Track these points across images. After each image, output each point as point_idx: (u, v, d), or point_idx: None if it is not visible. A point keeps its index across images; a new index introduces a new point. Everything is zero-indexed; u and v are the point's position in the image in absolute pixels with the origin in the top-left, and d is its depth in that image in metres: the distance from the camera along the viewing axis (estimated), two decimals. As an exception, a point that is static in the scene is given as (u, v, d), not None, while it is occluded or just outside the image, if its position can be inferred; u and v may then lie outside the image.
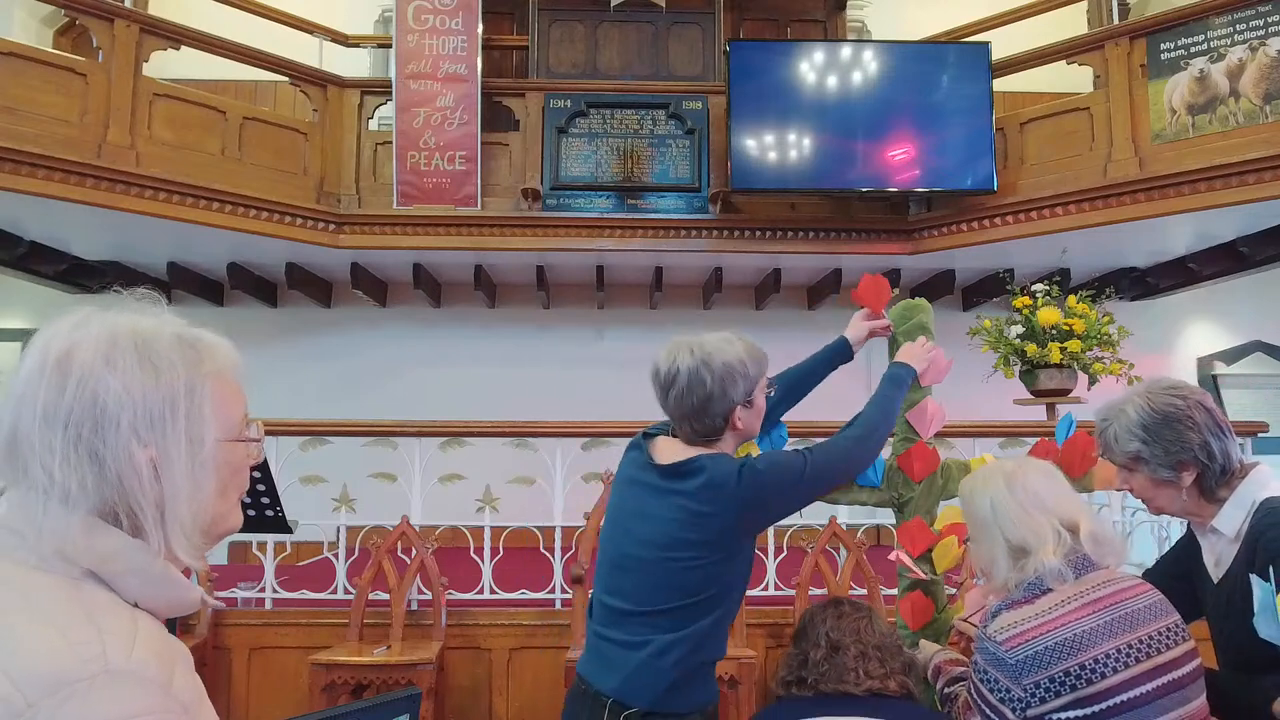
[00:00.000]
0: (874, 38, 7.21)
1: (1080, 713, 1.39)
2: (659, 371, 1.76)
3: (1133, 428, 1.68)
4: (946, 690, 1.75)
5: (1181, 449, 1.63)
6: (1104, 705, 1.39)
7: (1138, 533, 4.21)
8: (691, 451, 1.73)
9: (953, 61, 5.75)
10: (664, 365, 1.75)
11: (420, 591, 3.74)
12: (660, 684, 1.63)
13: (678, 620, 1.65)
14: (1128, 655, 1.42)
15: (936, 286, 6.60)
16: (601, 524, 1.89)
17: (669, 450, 1.76)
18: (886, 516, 2.45)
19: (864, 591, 3.52)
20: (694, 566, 1.64)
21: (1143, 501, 1.75)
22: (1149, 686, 1.41)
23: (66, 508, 0.78)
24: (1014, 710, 1.42)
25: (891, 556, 2.12)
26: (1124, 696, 1.39)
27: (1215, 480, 1.64)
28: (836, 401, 6.09)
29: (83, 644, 0.72)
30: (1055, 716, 1.40)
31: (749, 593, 3.51)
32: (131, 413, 0.80)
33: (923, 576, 2.07)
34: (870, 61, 5.75)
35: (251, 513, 2.20)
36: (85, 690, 0.70)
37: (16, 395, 0.81)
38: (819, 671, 1.64)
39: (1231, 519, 1.64)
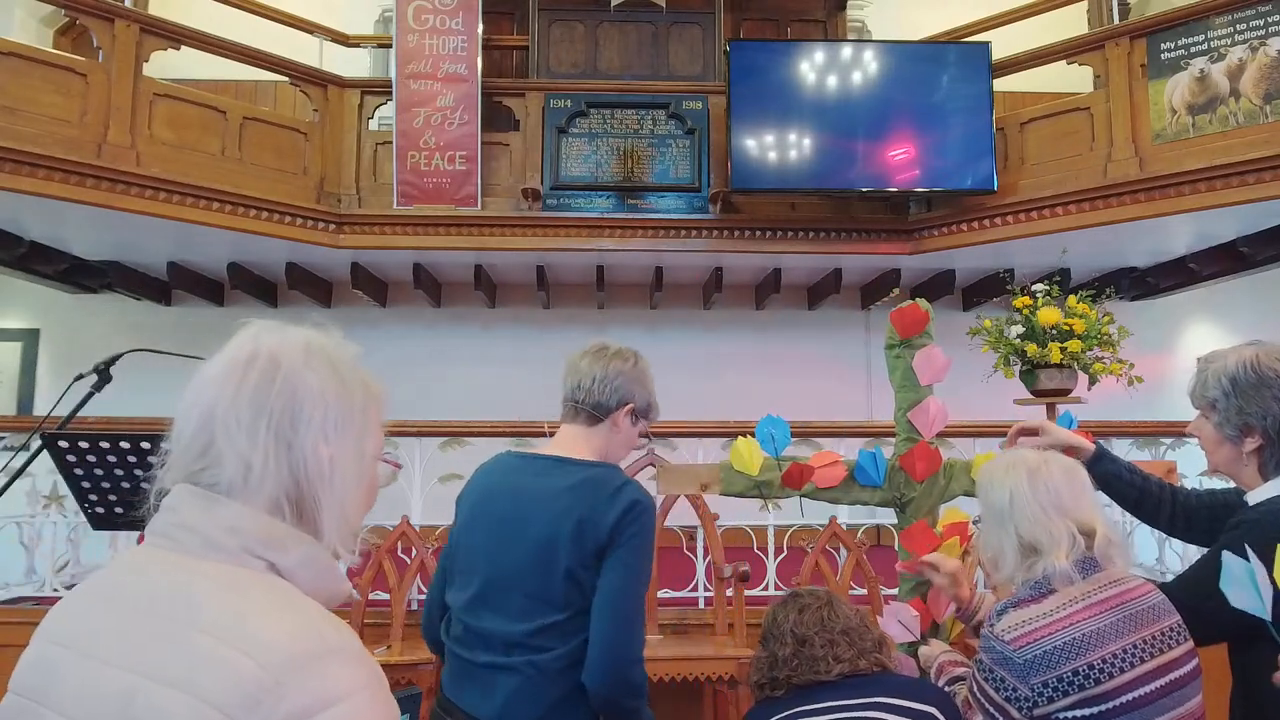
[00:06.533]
0: (874, 38, 7.21)
1: (1087, 712, 1.39)
2: (596, 345, 1.83)
3: (1222, 376, 1.64)
4: (947, 689, 1.75)
5: (1255, 414, 1.59)
6: (1110, 704, 1.39)
7: (1138, 532, 4.21)
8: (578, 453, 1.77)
9: (953, 61, 5.75)
10: (605, 343, 1.84)
11: (420, 591, 3.74)
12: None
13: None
14: (1133, 655, 1.42)
15: (936, 286, 6.59)
16: None
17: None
18: (887, 516, 2.45)
19: (864, 591, 3.52)
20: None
21: (1204, 453, 1.71)
22: (1153, 686, 1.41)
23: (247, 498, 0.85)
24: (1020, 709, 1.41)
25: (899, 567, 2.12)
26: (1130, 696, 1.39)
27: (1278, 457, 1.60)
28: (837, 403, 6.10)
29: (302, 626, 0.79)
30: (1062, 715, 1.40)
31: (749, 592, 3.52)
32: (323, 412, 0.89)
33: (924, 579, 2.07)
34: (870, 61, 5.75)
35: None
36: (319, 667, 0.76)
37: (215, 382, 0.88)
38: (790, 667, 1.64)
39: (1257, 496, 1.62)
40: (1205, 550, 1.69)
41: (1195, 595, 1.56)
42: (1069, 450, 1.95)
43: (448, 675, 1.77)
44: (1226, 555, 1.38)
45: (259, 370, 0.88)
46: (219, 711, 0.73)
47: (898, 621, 2.06)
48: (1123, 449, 4.21)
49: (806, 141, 5.69)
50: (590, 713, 1.65)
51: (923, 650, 1.96)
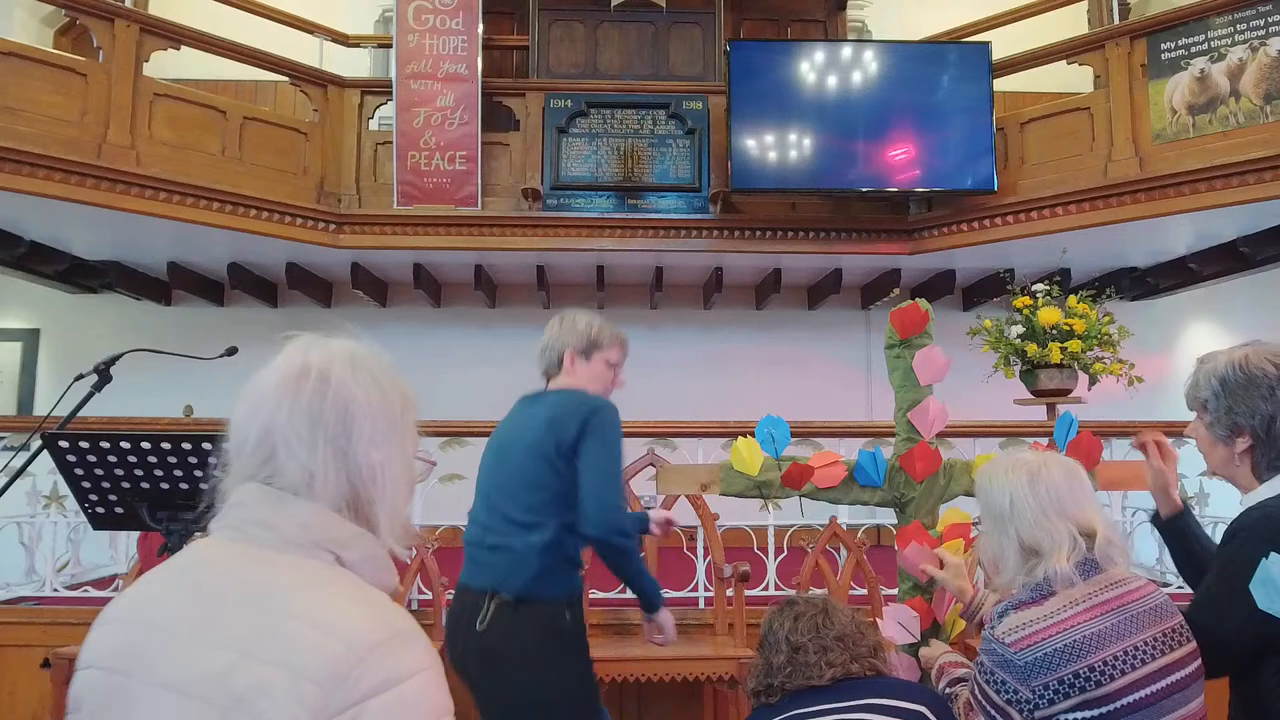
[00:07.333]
0: (874, 38, 7.21)
1: (1088, 714, 1.39)
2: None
3: (1212, 376, 1.63)
4: (948, 690, 1.75)
5: (1244, 413, 1.58)
6: (1112, 707, 1.39)
7: (1138, 533, 4.21)
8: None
9: (953, 61, 5.75)
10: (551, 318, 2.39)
11: (420, 591, 3.74)
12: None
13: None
14: (1134, 657, 1.41)
15: (936, 286, 6.59)
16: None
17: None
18: (887, 516, 2.45)
19: (864, 591, 3.52)
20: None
21: (1202, 455, 1.70)
22: (1155, 688, 1.41)
23: (312, 500, 0.94)
24: (1021, 711, 1.41)
25: (905, 552, 2.10)
26: (1131, 698, 1.39)
27: (1269, 458, 1.59)
28: (835, 403, 6.10)
29: (376, 614, 0.89)
30: (1063, 717, 1.40)
31: (749, 592, 3.52)
32: (370, 421, 0.97)
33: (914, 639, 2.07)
34: (870, 61, 5.75)
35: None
36: (392, 649, 0.86)
37: (271, 397, 0.96)
38: (784, 674, 1.65)
39: (1250, 499, 1.60)
40: (1232, 555, 1.64)
41: (1209, 614, 1.53)
42: (1162, 495, 1.85)
43: (463, 570, 2.21)
44: (1273, 557, 1.37)
45: (311, 386, 0.96)
46: (314, 684, 0.81)
47: (897, 623, 2.05)
48: (1123, 449, 4.20)
49: (806, 141, 5.69)
50: (564, 586, 2.11)
51: (923, 651, 1.96)
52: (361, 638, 0.85)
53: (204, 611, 0.89)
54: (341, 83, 5.88)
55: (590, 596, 3.46)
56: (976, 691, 1.49)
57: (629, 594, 2.71)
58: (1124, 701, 1.39)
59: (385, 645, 0.86)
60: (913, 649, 2.05)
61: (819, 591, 3.41)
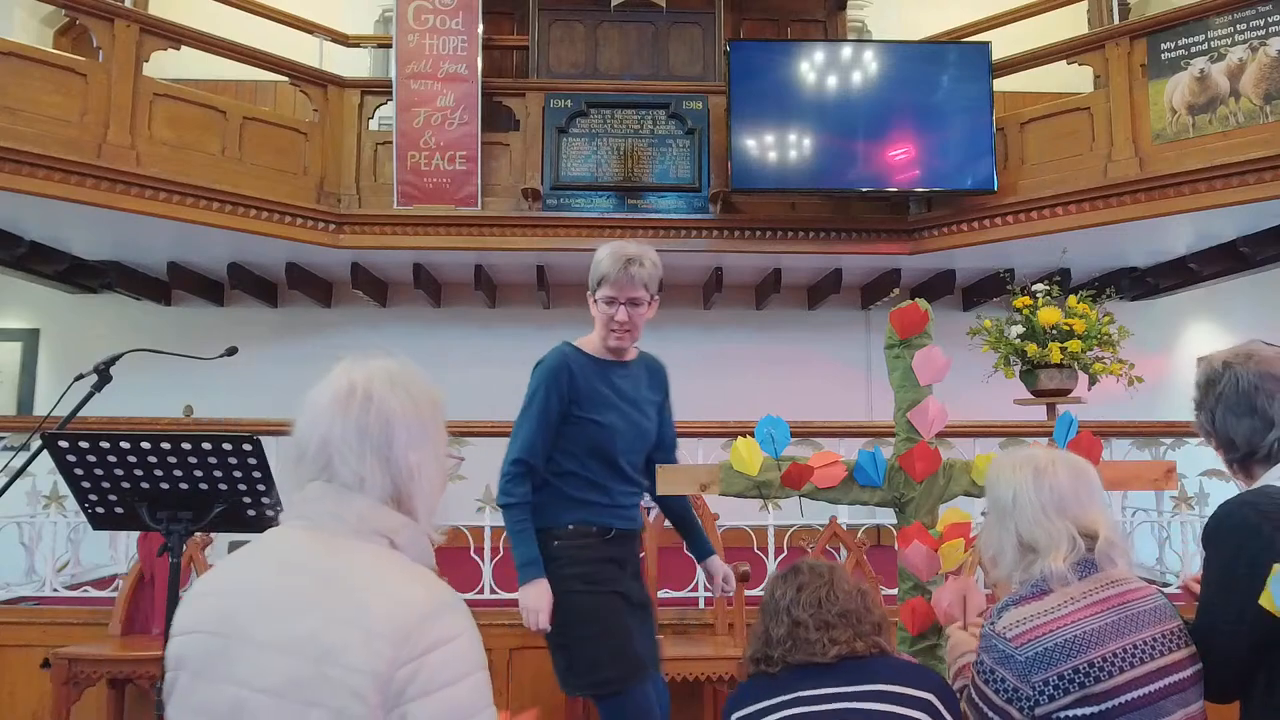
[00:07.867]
0: (874, 38, 7.21)
1: (1087, 711, 1.39)
2: None
3: (1195, 382, 1.66)
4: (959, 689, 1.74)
5: (1200, 413, 1.61)
6: (1110, 704, 1.39)
7: (1138, 533, 4.21)
8: None
9: (953, 61, 5.75)
10: None
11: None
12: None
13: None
14: (1134, 655, 1.41)
15: (936, 286, 6.59)
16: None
17: None
18: (887, 516, 2.45)
19: (864, 591, 3.52)
20: None
21: None
22: (1153, 687, 1.41)
23: (364, 495, 1.13)
24: (1021, 710, 1.41)
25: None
26: (1130, 696, 1.39)
27: (1232, 457, 1.59)
28: (835, 403, 6.10)
29: (428, 587, 1.10)
30: (1062, 714, 1.40)
31: (749, 592, 3.52)
32: (407, 431, 1.16)
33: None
34: (870, 61, 5.75)
35: (252, 513, 2.20)
36: (442, 615, 1.07)
37: (327, 413, 1.15)
38: (784, 647, 1.61)
39: None
40: (1210, 559, 1.62)
41: (1206, 619, 1.52)
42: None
43: None
44: None
45: (358, 403, 1.15)
46: (385, 641, 1.01)
47: (962, 599, 1.96)
48: (1123, 449, 4.21)
49: (806, 141, 5.69)
50: (551, 519, 2.26)
51: (955, 635, 1.89)
52: (419, 606, 1.05)
53: (290, 585, 1.08)
54: (341, 83, 5.88)
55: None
56: (975, 694, 1.49)
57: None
58: (1123, 699, 1.39)
59: (438, 612, 1.06)
60: (928, 647, 2.03)
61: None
